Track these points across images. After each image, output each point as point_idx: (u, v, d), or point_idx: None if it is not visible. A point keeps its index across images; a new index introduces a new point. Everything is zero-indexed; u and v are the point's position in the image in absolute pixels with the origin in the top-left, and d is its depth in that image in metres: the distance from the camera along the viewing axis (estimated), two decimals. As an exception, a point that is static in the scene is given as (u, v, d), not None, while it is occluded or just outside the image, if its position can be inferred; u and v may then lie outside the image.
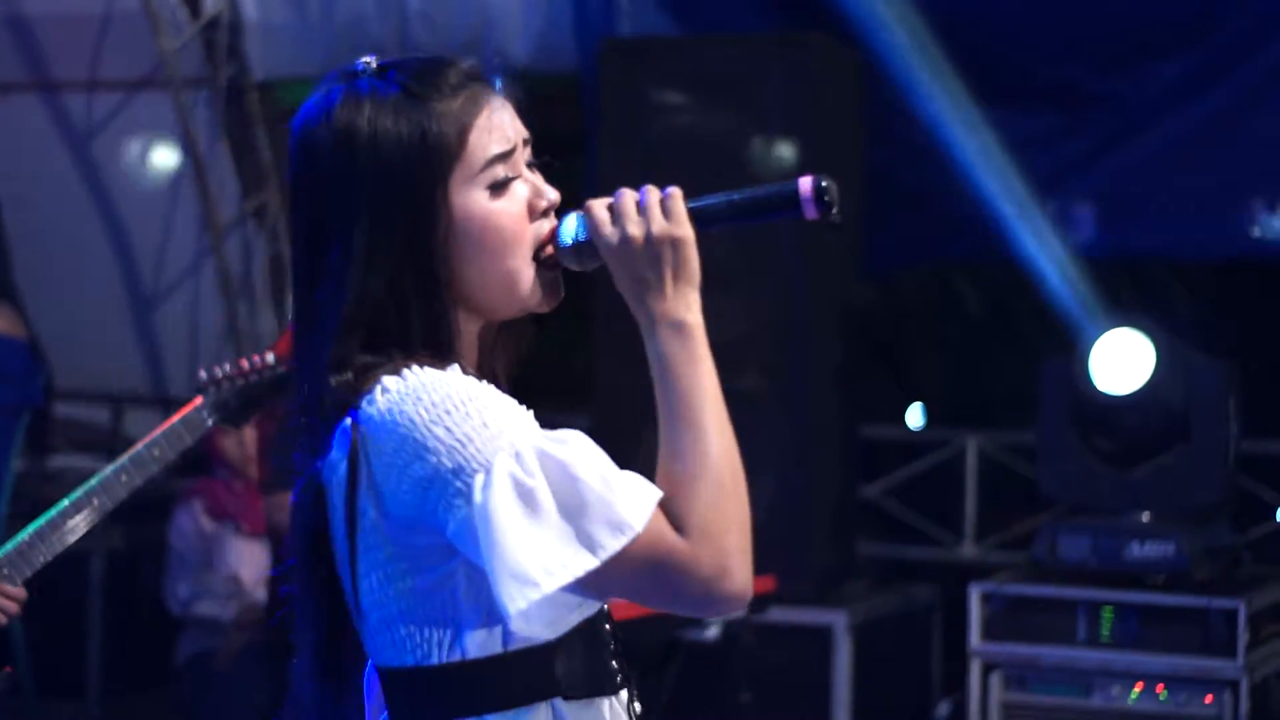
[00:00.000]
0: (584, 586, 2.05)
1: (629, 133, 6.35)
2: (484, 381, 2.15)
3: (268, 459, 4.26)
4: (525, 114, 2.26)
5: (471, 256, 2.18)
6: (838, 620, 6.16)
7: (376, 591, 2.14)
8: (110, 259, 8.37)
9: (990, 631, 5.66)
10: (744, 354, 6.19)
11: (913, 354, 8.02)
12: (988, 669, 5.67)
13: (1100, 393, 5.76)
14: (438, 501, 2.05)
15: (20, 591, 3.96)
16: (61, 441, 8.17)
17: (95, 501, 4.00)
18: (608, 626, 2.25)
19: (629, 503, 2.04)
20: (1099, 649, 5.56)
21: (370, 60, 2.24)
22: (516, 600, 2.01)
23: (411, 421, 2.07)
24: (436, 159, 2.15)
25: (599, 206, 2.19)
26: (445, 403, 2.07)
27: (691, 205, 2.20)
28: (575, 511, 2.03)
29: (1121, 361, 5.75)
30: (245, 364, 4.08)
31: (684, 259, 2.16)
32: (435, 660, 2.14)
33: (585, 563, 2.02)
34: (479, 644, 2.13)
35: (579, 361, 6.47)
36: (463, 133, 2.17)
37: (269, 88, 7.94)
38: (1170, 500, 5.73)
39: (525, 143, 2.24)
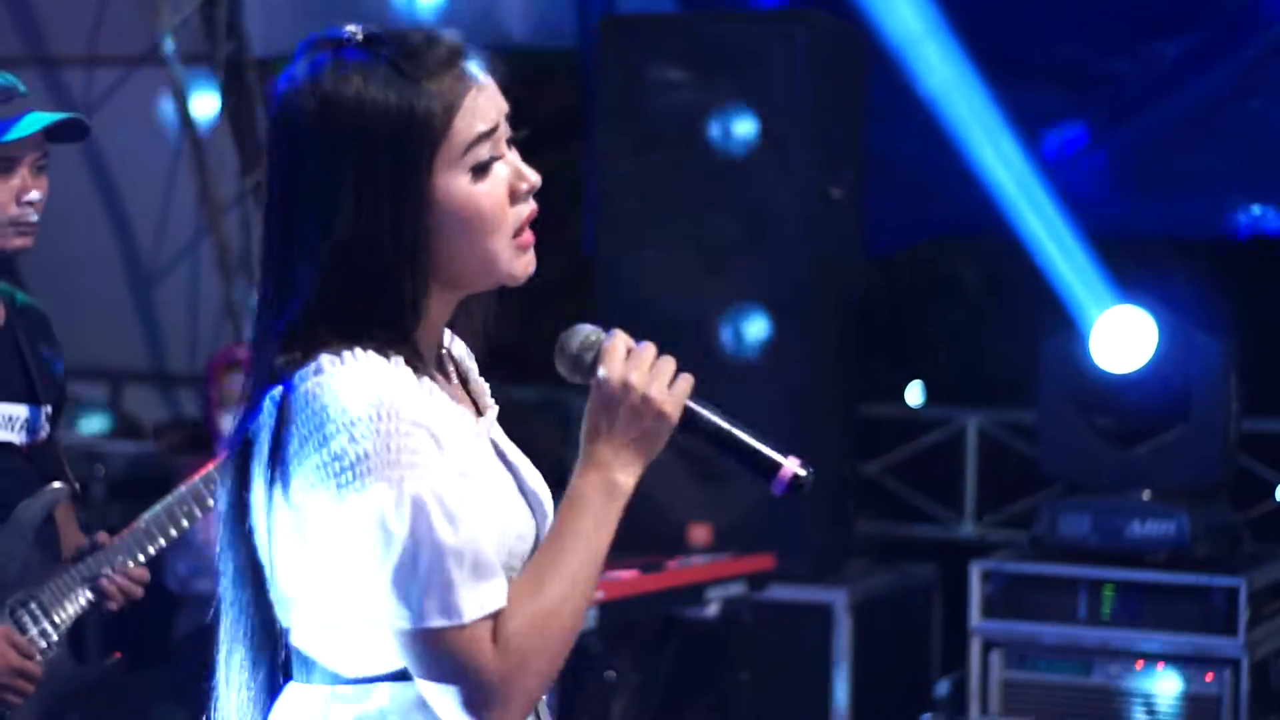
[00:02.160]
0: (397, 643, 2.07)
1: (629, 109, 6.34)
2: (427, 381, 2.14)
3: None
4: (507, 89, 2.23)
5: (452, 237, 2.15)
6: (837, 598, 6.15)
7: (276, 560, 2.15)
8: (109, 236, 8.36)
9: (990, 609, 5.67)
10: (745, 331, 6.18)
11: (913, 332, 8.01)
12: (988, 647, 5.67)
13: (1101, 371, 5.75)
14: (320, 501, 2.06)
15: (143, 572, 4.04)
16: (60, 418, 8.15)
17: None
18: None
19: (471, 593, 2.04)
20: (1099, 627, 5.56)
21: (355, 30, 2.21)
22: (301, 619, 2.12)
23: (329, 415, 2.06)
24: (422, 138, 2.13)
25: (621, 340, 2.21)
26: (367, 410, 2.06)
27: (690, 402, 2.22)
28: (416, 574, 2.03)
29: (1122, 340, 5.74)
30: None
31: (655, 431, 2.18)
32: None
33: (398, 623, 2.04)
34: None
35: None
36: (448, 113, 2.14)
37: (268, 64, 7.92)
38: (1171, 478, 5.73)
39: (506, 117, 2.21)
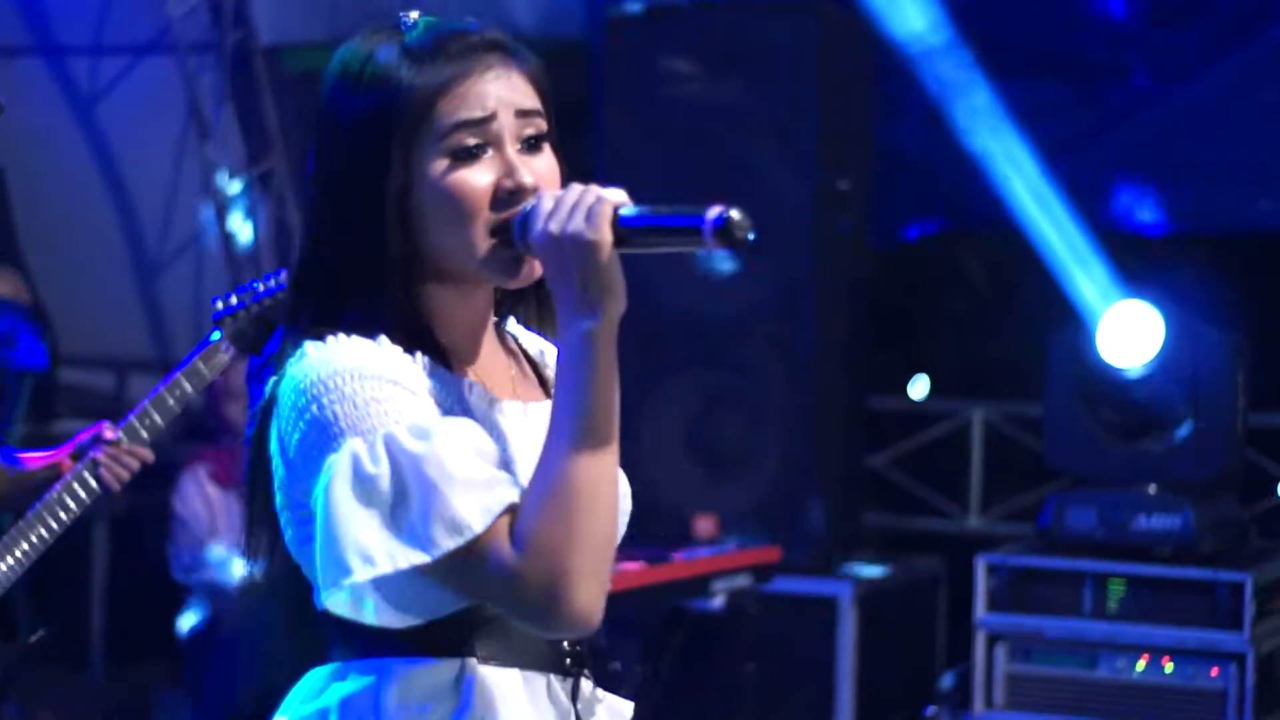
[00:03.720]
0: (431, 578, 2.05)
1: (636, 101, 6.33)
2: (416, 355, 2.14)
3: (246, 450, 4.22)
4: (543, 92, 2.21)
5: (429, 222, 2.15)
6: (843, 591, 6.15)
7: (293, 544, 2.17)
8: (114, 224, 8.36)
9: (996, 603, 5.66)
10: (751, 326, 6.18)
11: (918, 325, 8.00)
12: (993, 640, 5.66)
13: (1108, 365, 5.75)
14: (309, 473, 2.08)
15: (148, 453, 4.03)
16: (65, 407, 8.15)
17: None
18: None
19: (471, 504, 2.02)
20: (1105, 621, 5.56)
21: (412, 15, 2.21)
22: (327, 583, 2.04)
23: (301, 390, 2.09)
24: (400, 116, 2.13)
25: (548, 197, 2.11)
26: (332, 378, 2.07)
27: (622, 214, 2.10)
28: (412, 505, 2.02)
29: (1130, 334, 5.74)
30: (260, 286, 4.03)
31: (593, 265, 2.06)
32: (343, 613, 2.16)
33: (412, 557, 2.02)
34: (379, 612, 2.15)
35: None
36: (434, 95, 2.13)
37: (275, 53, 7.91)
38: (1177, 473, 5.72)
39: (523, 115, 2.18)
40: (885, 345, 7.47)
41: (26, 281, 7.65)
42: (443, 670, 2.14)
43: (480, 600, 2.10)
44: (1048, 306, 6.24)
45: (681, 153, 6.23)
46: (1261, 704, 5.46)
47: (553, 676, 2.20)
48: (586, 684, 2.25)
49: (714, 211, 2.08)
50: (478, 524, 2.01)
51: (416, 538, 2.01)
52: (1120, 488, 5.72)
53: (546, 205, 2.10)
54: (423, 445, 2.03)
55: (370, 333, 2.13)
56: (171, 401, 4.07)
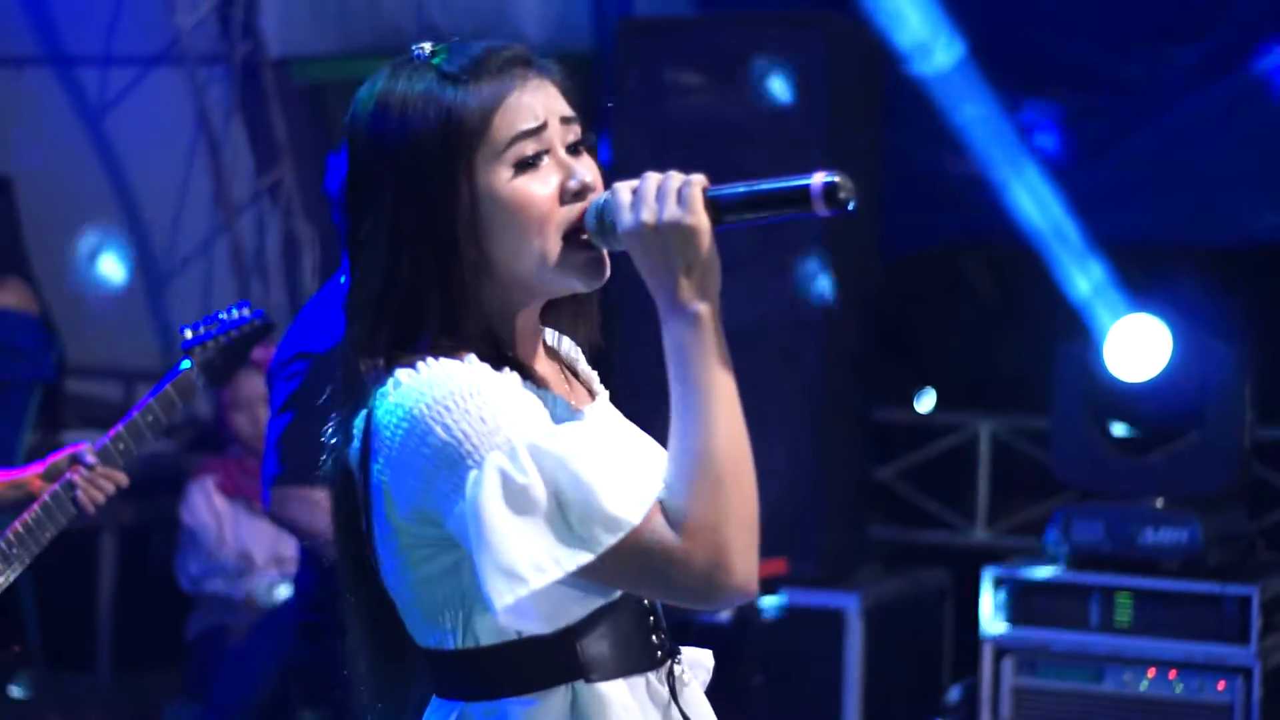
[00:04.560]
0: (585, 579, 2.08)
1: (645, 112, 6.34)
2: (507, 372, 2.17)
3: (275, 447, 4.24)
4: (573, 100, 2.26)
5: (499, 235, 2.18)
6: (850, 604, 6.15)
7: (395, 577, 2.18)
8: (123, 234, 8.37)
9: (1003, 616, 5.66)
10: (758, 337, 6.18)
11: (925, 337, 8.00)
12: (1000, 653, 5.66)
13: (1115, 378, 5.75)
14: (439, 497, 2.08)
15: (123, 477, 4.05)
16: (73, 417, 8.16)
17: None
18: (647, 603, 2.26)
19: (624, 498, 2.05)
20: (1112, 634, 5.55)
21: (426, 46, 2.25)
22: (504, 596, 2.04)
23: (414, 417, 2.09)
24: (457, 138, 2.16)
25: (624, 189, 2.16)
26: (447, 399, 2.09)
27: (711, 194, 2.15)
28: (568, 507, 2.04)
29: (1137, 347, 5.74)
30: (225, 317, 4.08)
31: (695, 247, 2.12)
32: (450, 645, 2.18)
33: (577, 559, 2.04)
34: (490, 630, 2.16)
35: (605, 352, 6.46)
36: (488, 111, 2.17)
37: (284, 65, 7.92)
38: (1184, 486, 5.72)
39: (566, 122, 2.23)
40: (892, 358, 7.47)
41: (35, 292, 7.66)
42: (558, 701, 2.17)
43: (639, 589, 2.14)
44: (1055, 319, 6.25)
45: (689, 164, 6.14)
46: (1268, 718, 5.45)
47: (649, 674, 2.24)
48: (677, 667, 2.28)
49: (819, 175, 2.12)
50: (635, 516, 2.05)
51: (579, 538, 2.04)
52: (1127, 501, 5.72)
53: (626, 196, 2.15)
54: (563, 445, 2.06)
55: (455, 354, 2.15)
56: (144, 427, 4.11)
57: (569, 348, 2.41)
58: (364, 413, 2.16)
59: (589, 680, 2.17)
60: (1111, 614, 5.56)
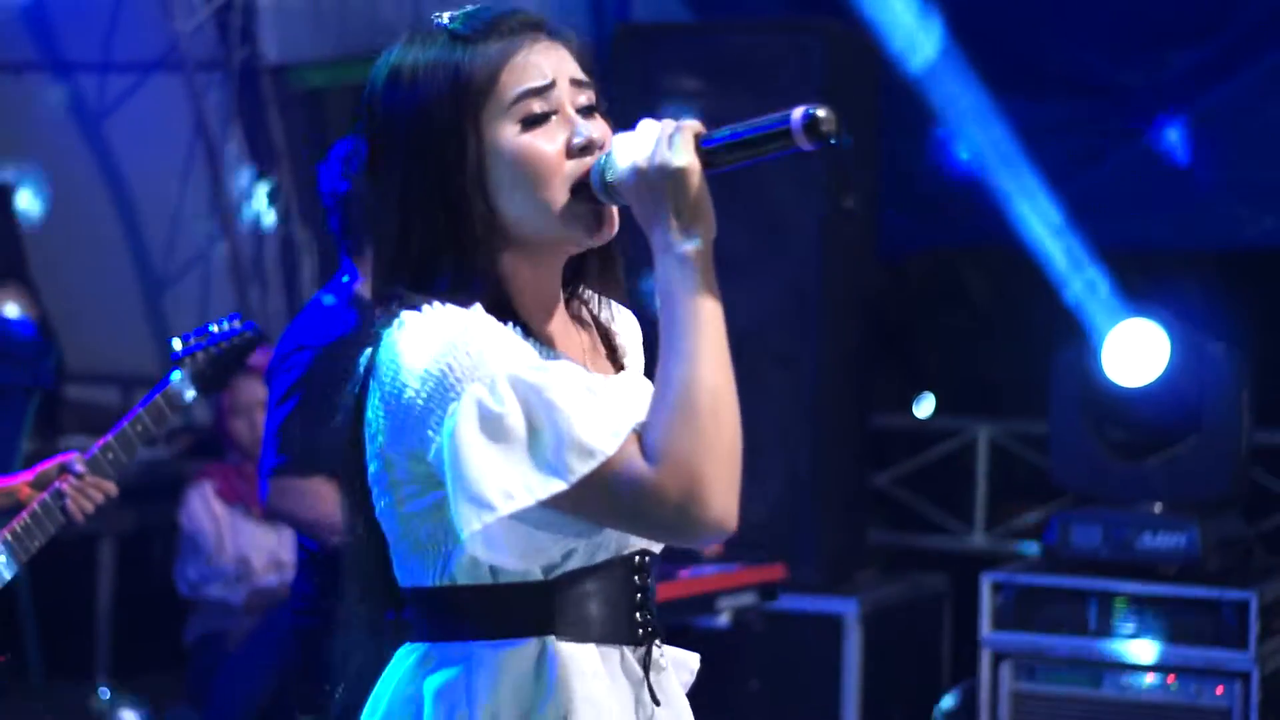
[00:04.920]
0: (560, 509, 2.10)
1: (642, 117, 6.33)
2: (509, 325, 2.21)
3: (274, 437, 4.25)
4: (587, 65, 2.31)
5: (506, 188, 2.23)
6: (848, 608, 6.15)
7: (387, 514, 2.23)
8: (121, 240, 8.37)
9: (1001, 621, 5.66)
10: (756, 341, 6.18)
11: (923, 342, 8.01)
12: (998, 658, 5.66)
13: (1112, 383, 5.75)
14: (423, 430, 2.12)
15: (112, 486, 4.07)
16: (71, 423, 8.16)
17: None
18: (637, 579, 2.27)
19: (600, 428, 2.07)
20: (1110, 639, 5.55)
21: (444, 15, 2.31)
22: (471, 522, 2.07)
23: (405, 353, 2.14)
24: (464, 94, 2.22)
25: (621, 140, 2.22)
26: (437, 336, 2.14)
27: (702, 138, 2.20)
28: (543, 436, 2.07)
29: (1134, 352, 5.74)
30: (215, 329, 4.11)
31: (684, 190, 2.16)
32: (429, 583, 2.21)
33: (550, 486, 2.06)
34: (466, 571, 2.19)
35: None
36: (495, 68, 2.23)
37: (282, 70, 7.92)
38: (1182, 491, 5.72)
39: (576, 84, 2.28)
40: (890, 362, 7.48)
41: (33, 297, 7.66)
42: (526, 653, 2.18)
43: (614, 522, 2.15)
44: (1053, 324, 6.25)
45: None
46: (1266, 722, 5.46)
47: (626, 649, 2.25)
48: (655, 650, 2.29)
49: (799, 110, 2.19)
50: (610, 446, 2.07)
51: (551, 467, 2.06)
52: (1125, 506, 5.72)
53: (623, 146, 2.20)
54: (543, 377, 2.10)
55: (464, 302, 2.20)
56: (134, 437, 4.13)
57: (619, 315, 2.45)
58: (369, 351, 2.21)
59: (560, 637, 2.19)
60: (1110, 619, 5.56)
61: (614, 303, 2.45)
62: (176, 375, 4.14)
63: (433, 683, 2.20)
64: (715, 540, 2.15)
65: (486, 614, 2.19)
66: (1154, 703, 5.51)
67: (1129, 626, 5.55)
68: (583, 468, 2.05)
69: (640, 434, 2.09)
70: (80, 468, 4.06)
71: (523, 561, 2.15)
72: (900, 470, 7.36)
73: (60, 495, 4.06)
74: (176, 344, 4.14)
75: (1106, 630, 5.56)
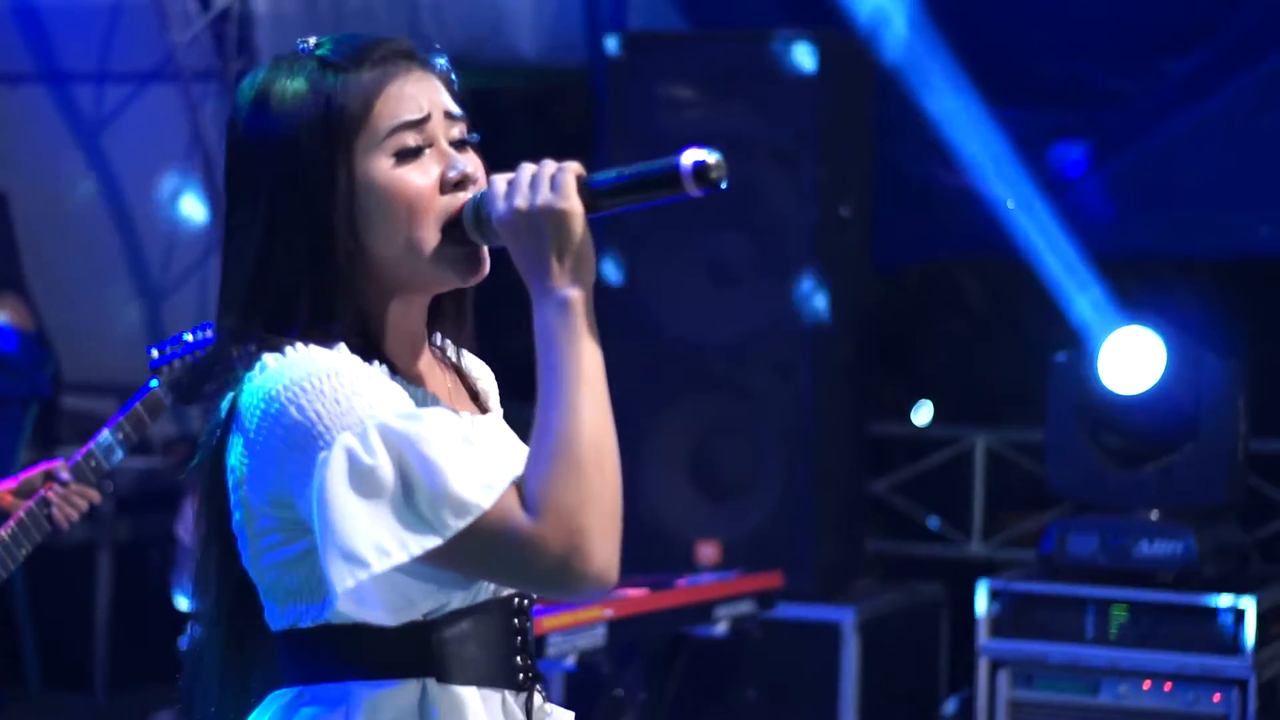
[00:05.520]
0: (435, 564, 2.04)
1: (638, 128, 6.35)
2: (375, 364, 2.15)
3: None
4: (458, 96, 2.25)
5: (376, 224, 2.16)
6: (845, 617, 6.15)
7: (254, 561, 2.16)
8: (119, 251, 8.37)
9: (998, 629, 5.66)
10: (753, 351, 6.19)
11: (920, 350, 8.01)
12: (995, 666, 5.66)
13: (1109, 391, 5.76)
14: (291, 479, 2.06)
15: (96, 494, 4.11)
16: (69, 432, 8.16)
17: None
18: (516, 621, 2.22)
19: (474, 481, 2.01)
20: (1107, 647, 5.55)
21: (310, 40, 2.23)
22: (344, 579, 2.00)
23: (271, 398, 2.07)
24: (337, 124, 2.15)
25: (500, 180, 2.14)
26: (305, 380, 2.07)
27: (588, 180, 2.13)
28: (415, 489, 2.01)
29: (1131, 360, 5.75)
30: (190, 338, 4.14)
31: (567, 233, 2.09)
32: (304, 624, 2.14)
33: (424, 543, 2.00)
34: (345, 614, 2.12)
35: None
36: (368, 99, 2.16)
37: (278, 81, 7.92)
38: (1179, 498, 5.72)
39: (451, 117, 2.22)
40: (887, 370, 7.49)
41: (30, 308, 7.67)
42: (406, 693, 2.13)
43: (493, 576, 2.10)
44: (1049, 332, 6.25)
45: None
46: (1263, 729, 5.46)
47: (507, 693, 2.20)
48: (538, 698, 2.24)
49: (690, 155, 2.09)
50: (485, 500, 2.01)
51: (425, 522, 2.00)
52: (1122, 513, 5.73)
53: (501, 187, 2.13)
54: (415, 427, 2.03)
55: (327, 342, 2.14)
56: (114, 445, 4.16)
57: (473, 364, 2.39)
58: (230, 396, 2.14)
59: (440, 680, 2.14)
60: (1107, 626, 5.56)
61: (464, 350, 2.38)
62: (154, 383, 4.18)
63: (305, 718, 2.14)
64: (594, 595, 2.09)
65: (365, 654, 2.13)
66: (1151, 710, 5.51)
67: (1126, 634, 5.55)
68: (458, 523, 2.00)
69: (519, 486, 2.04)
70: (66, 475, 4.09)
71: (394, 616, 2.10)
72: (898, 478, 7.36)
73: (46, 504, 4.08)
74: (154, 353, 4.18)
75: (1104, 638, 5.56)
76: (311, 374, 2.07)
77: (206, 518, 2.21)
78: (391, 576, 2.03)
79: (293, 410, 2.06)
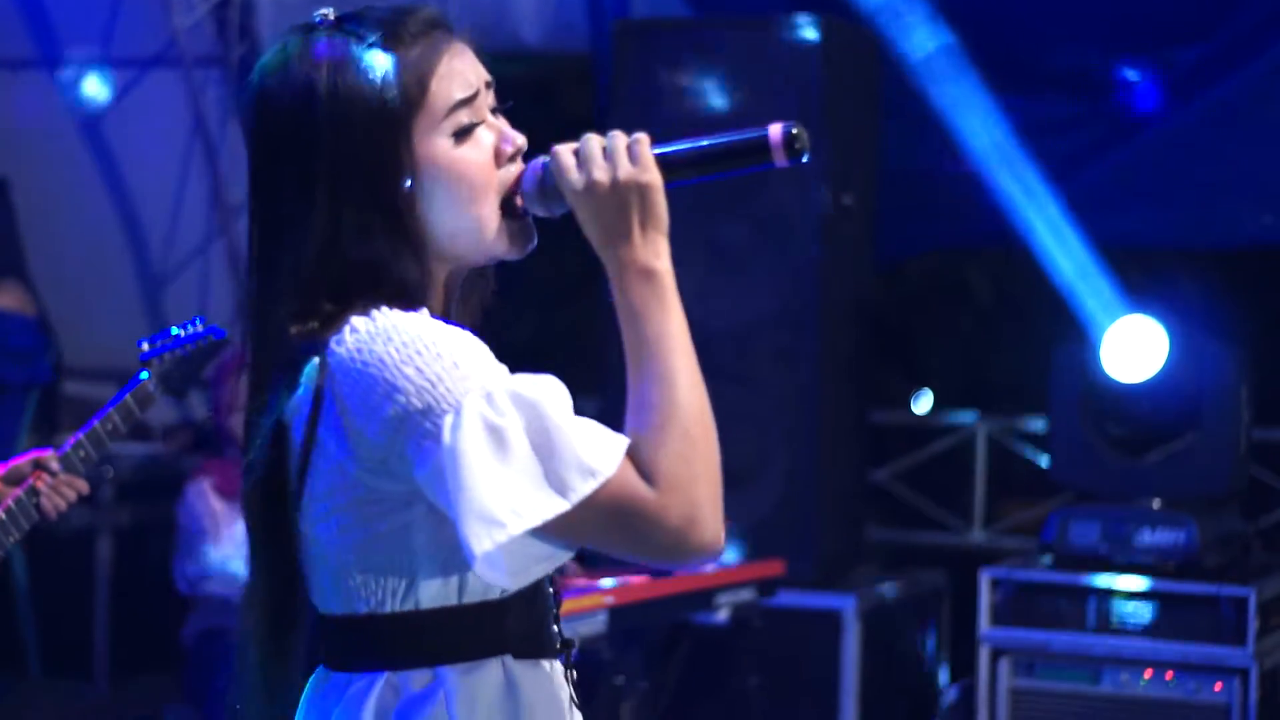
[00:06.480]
0: (553, 532, 2.03)
1: (642, 115, 6.33)
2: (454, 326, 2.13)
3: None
4: (482, 57, 2.23)
5: (439, 204, 2.16)
6: (846, 604, 6.15)
7: (332, 538, 2.12)
8: (120, 236, 8.36)
9: (1000, 617, 5.66)
10: (755, 339, 6.18)
11: (922, 339, 8.01)
12: (996, 655, 5.66)
13: (1112, 380, 5.76)
14: (406, 443, 2.03)
15: (84, 484, 4.13)
16: (70, 419, 8.16)
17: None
18: (552, 590, 2.23)
19: (599, 447, 2.01)
20: (1108, 635, 5.56)
21: (328, 12, 2.21)
22: (483, 541, 1.98)
23: (381, 361, 2.04)
24: (397, 109, 2.13)
25: (565, 152, 2.14)
26: (416, 343, 2.04)
27: (659, 151, 2.14)
28: (546, 453, 2.00)
29: (1134, 349, 5.74)
30: (179, 332, 4.16)
31: (651, 204, 2.12)
32: (389, 609, 2.12)
33: (555, 505, 1.99)
34: (433, 595, 2.11)
35: (588, 345, 6.47)
36: (423, 80, 2.15)
37: (281, 67, 7.91)
38: (1181, 487, 5.73)
39: (488, 86, 2.21)
40: (889, 360, 7.49)
41: (32, 294, 7.66)
42: (492, 672, 2.14)
43: (609, 543, 2.07)
44: (1052, 321, 6.25)
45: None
46: (1265, 719, 5.46)
47: (556, 661, 2.22)
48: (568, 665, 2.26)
49: (777, 126, 2.13)
50: (610, 466, 2.01)
51: (555, 486, 1.99)
52: (1124, 502, 5.73)
53: (568, 159, 2.14)
54: (539, 392, 2.03)
55: (405, 308, 2.12)
56: (104, 435, 4.18)
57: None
58: (312, 364, 2.09)
59: (516, 656, 2.14)
60: (1108, 615, 5.56)
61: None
62: (144, 375, 4.20)
63: (407, 711, 2.12)
64: (705, 563, 2.11)
65: (449, 636, 2.12)
66: (1152, 699, 5.51)
67: (1128, 623, 5.55)
68: (585, 487, 1.99)
69: (633, 456, 2.03)
70: (56, 465, 4.09)
71: (515, 581, 2.09)
72: (899, 466, 7.36)
73: (35, 493, 4.09)
74: (144, 345, 4.20)
75: (1105, 626, 5.57)
76: (420, 336, 2.05)
77: (262, 502, 2.16)
78: (518, 543, 2.01)
79: (409, 371, 2.03)
